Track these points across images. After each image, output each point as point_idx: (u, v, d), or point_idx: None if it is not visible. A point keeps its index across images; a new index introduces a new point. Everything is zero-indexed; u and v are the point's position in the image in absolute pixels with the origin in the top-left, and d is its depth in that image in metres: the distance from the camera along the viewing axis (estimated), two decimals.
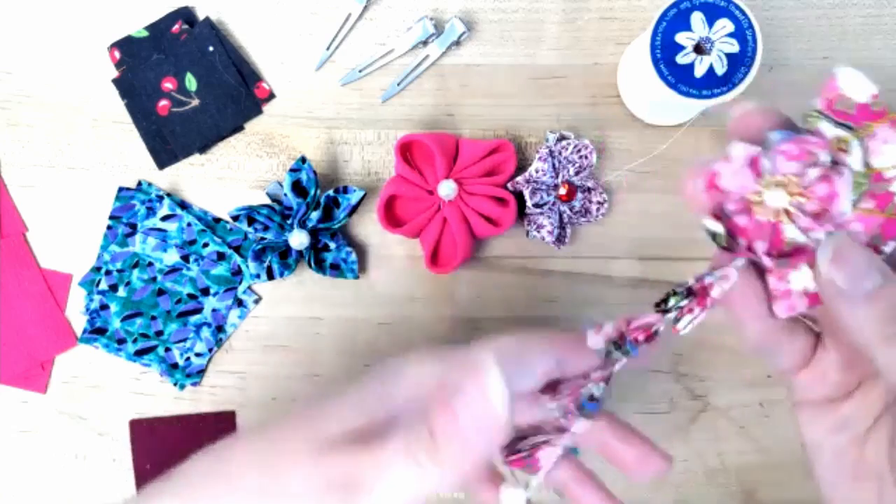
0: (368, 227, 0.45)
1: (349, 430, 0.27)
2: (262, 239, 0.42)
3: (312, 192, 0.42)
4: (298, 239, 0.42)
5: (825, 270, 0.24)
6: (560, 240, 0.43)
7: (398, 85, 0.45)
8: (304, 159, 0.42)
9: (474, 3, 0.45)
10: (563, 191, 0.42)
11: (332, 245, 0.43)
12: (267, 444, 0.28)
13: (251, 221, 0.42)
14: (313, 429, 0.28)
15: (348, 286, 0.44)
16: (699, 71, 0.38)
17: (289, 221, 0.42)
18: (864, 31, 0.45)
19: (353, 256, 0.43)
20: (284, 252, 0.43)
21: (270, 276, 0.42)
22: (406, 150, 0.43)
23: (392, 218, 0.43)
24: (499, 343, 0.30)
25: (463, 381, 0.26)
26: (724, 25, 0.38)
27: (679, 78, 0.38)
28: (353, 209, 0.42)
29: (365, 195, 0.42)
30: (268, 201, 0.44)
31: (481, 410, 0.25)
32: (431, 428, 0.26)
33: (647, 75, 0.39)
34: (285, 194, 0.42)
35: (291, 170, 0.42)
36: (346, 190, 0.42)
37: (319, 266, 0.43)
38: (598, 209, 0.43)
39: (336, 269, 0.44)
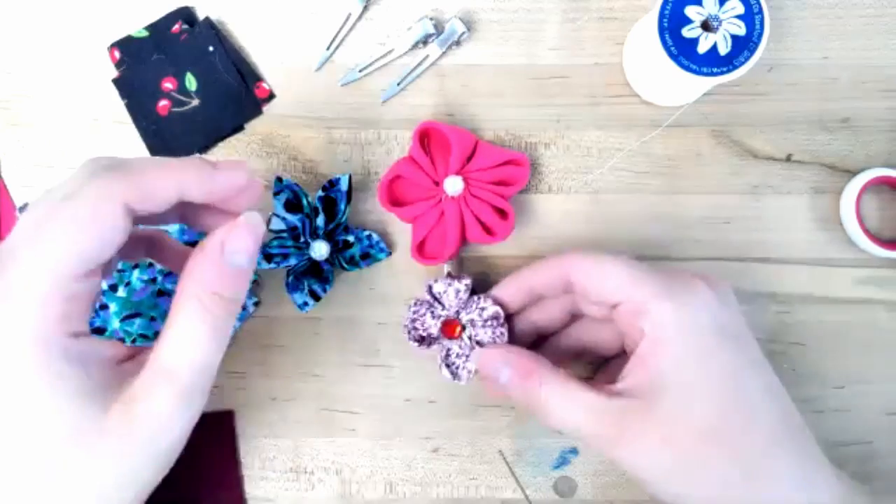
0: (367, 226, 0.45)
1: None
2: (289, 268, 0.43)
3: (304, 201, 0.42)
4: (319, 250, 0.42)
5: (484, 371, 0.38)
6: (454, 375, 0.40)
7: (398, 85, 0.45)
8: (280, 178, 0.42)
9: (474, 3, 0.45)
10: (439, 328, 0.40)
11: (352, 238, 0.43)
12: None
13: (269, 258, 0.42)
14: None
15: (347, 286, 0.44)
16: (703, 47, 0.38)
17: (301, 240, 0.43)
18: (864, 31, 0.45)
19: (377, 236, 0.43)
20: (317, 270, 0.43)
21: (317, 299, 0.43)
22: (424, 137, 0.43)
23: (392, 197, 0.43)
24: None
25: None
26: (735, 7, 0.38)
27: (681, 50, 0.38)
28: (349, 194, 0.42)
29: (351, 176, 0.42)
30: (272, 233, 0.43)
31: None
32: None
33: (651, 43, 0.39)
34: (284, 218, 0.42)
35: (274, 193, 0.42)
36: (332, 184, 0.42)
37: (352, 263, 0.43)
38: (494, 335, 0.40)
39: (367, 258, 0.44)
